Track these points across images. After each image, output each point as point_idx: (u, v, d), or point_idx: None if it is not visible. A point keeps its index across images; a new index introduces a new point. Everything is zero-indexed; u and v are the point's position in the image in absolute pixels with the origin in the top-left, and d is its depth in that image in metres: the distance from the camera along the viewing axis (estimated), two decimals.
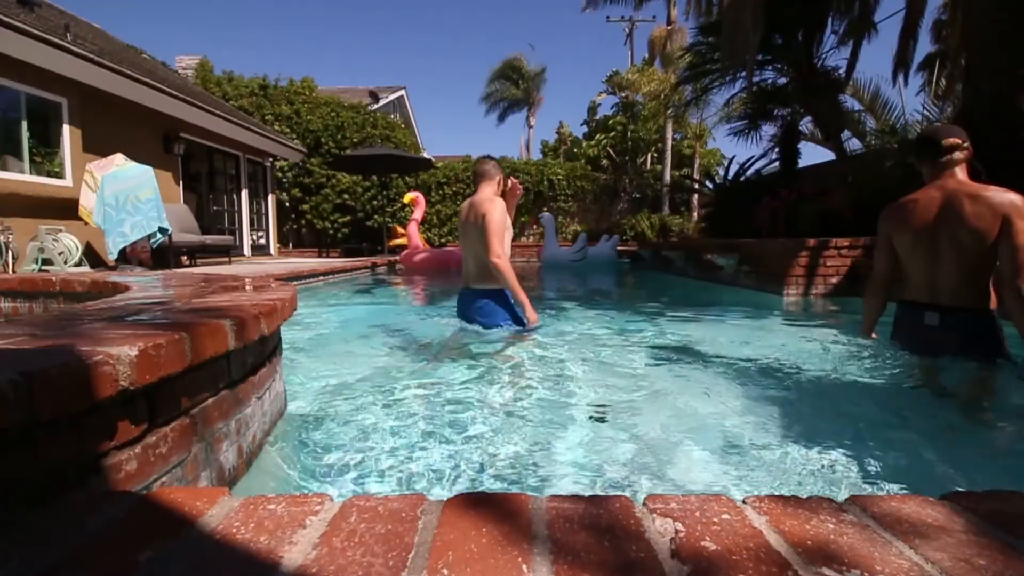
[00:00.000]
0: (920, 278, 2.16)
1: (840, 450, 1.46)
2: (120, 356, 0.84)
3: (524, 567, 0.52)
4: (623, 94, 19.79)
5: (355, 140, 15.04)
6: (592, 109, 25.16)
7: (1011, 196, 1.97)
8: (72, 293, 2.98)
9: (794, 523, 0.60)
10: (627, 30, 24.50)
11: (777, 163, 9.05)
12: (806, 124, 9.50)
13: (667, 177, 17.84)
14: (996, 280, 2.04)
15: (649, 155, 19.78)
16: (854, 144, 8.62)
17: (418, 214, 10.47)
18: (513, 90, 25.35)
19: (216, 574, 0.52)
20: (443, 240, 16.26)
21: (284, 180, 14.96)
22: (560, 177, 16.69)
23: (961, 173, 2.11)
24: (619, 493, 0.69)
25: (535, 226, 16.48)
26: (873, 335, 2.51)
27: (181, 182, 9.03)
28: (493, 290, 3.00)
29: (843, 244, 5.25)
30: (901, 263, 2.26)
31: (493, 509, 0.64)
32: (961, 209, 2.00)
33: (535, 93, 25.55)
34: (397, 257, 10.48)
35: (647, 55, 21.33)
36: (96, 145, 6.80)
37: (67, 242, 5.86)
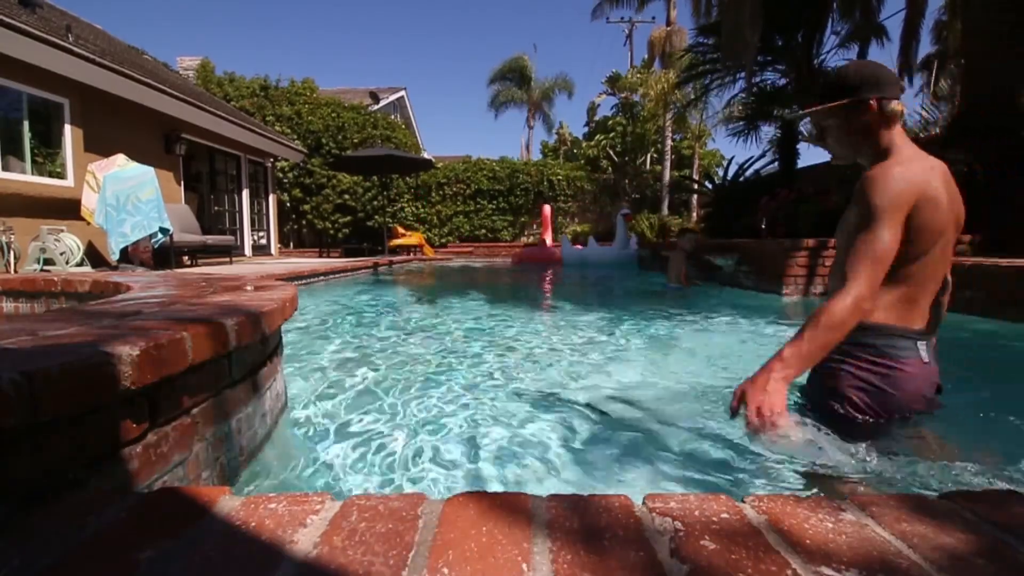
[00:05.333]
0: (931, 292, 1.39)
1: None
2: (121, 356, 0.84)
3: (524, 566, 0.52)
4: (623, 95, 19.81)
5: (356, 141, 15.06)
6: (592, 110, 25.19)
7: None
8: (74, 293, 2.99)
9: (793, 522, 0.60)
10: (627, 31, 24.55)
11: (776, 163, 9.06)
12: (805, 125, 9.50)
13: (667, 177, 17.85)
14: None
15: (649, 155, 19.79)
16: None
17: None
18: (516, 91, 25.36)
19: (217, 573, 0.52)
20: (443, 240, 16.28)
21: (285, 180, 14.98)
22: (560, 177, 16.71)
23: None
24: (619, 492, 0.69)
25: (535, 226, 16.50)
26: None
27: (182, 182, 9.03)
28: None
29: None
30: (908, 264, 1.34)
31: (493, 508, 0.64)
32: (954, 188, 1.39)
33: (538, 97, 25.51)
34: (514, 254, 12.66)
35: (647, 56, 21.36)
36: (97, 145, 6.80)
37: (69, 242, 5.86)
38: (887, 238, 1.26)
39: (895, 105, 1.36)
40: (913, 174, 1.30)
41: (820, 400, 1.46)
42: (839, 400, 1.39)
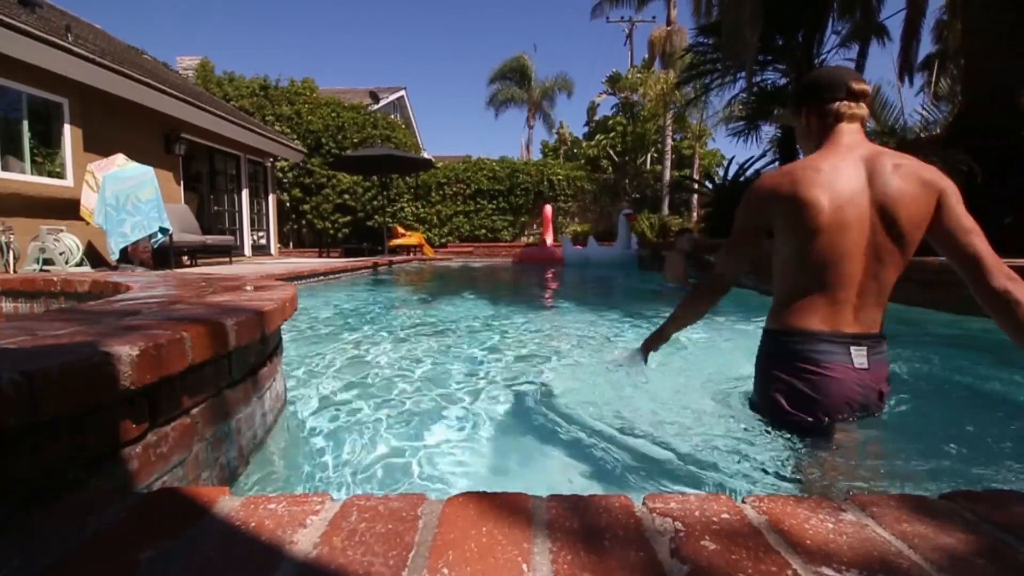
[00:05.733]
0: (859, 292, 1.37)
1: (839, 450, 1.46)
2: (121, 356, 0.84)
3: (524, 566, 0.52)
4: (623, 95, 19.81)
5: (355, 140, 15.06)
6: (592, 109, 25.20)
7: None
8: (73, 293, 2.99)
9: (793, 523, 0.60)
10: (627, 31, 24.55)
11: (777, 163, 9.06)
12: None
13: (667, 177, 17.85)
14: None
15: (649, 155, 19.78)
16: None
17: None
18: (516, 90, 25.37)
19: (217, 574, 0.52)
20: (443, 240, 16.28)
21: (285, 180, 14.98)
22: (560, 177, 16.70)
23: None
24: (619, 493, 0.69)
25: (535, 226, 16.50)
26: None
27: (182, 182, 9.03)
28: None
29: None
30: (810, 265, 1.37)
31: (493, 508, 0.64)
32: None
33: (538, 96, 25.51)
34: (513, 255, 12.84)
35: (647, 55, 21.36)
36: (97, 145, 6.80)
37: (68, 242, 5.86)
38: (734, 234, 1.47)
39: (833, 106, 1.40)
40: (772, 177, 1.40)
41: (755, 401, 1.54)
42: (767, 402, 1.46)
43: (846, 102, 1.39)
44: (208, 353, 1.09)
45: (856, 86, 1.40)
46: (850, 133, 1.40)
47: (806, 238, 1.33)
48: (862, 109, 1.42)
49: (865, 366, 1.35)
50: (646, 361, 1.77)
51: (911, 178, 1.31)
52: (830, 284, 1.34)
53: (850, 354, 1.34)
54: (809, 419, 1.37)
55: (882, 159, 1.34)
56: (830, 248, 1.32)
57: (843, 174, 1.32)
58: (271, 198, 12.59)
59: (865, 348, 1.35)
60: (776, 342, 1.44)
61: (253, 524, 0.61)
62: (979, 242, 1.30)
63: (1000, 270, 1.26)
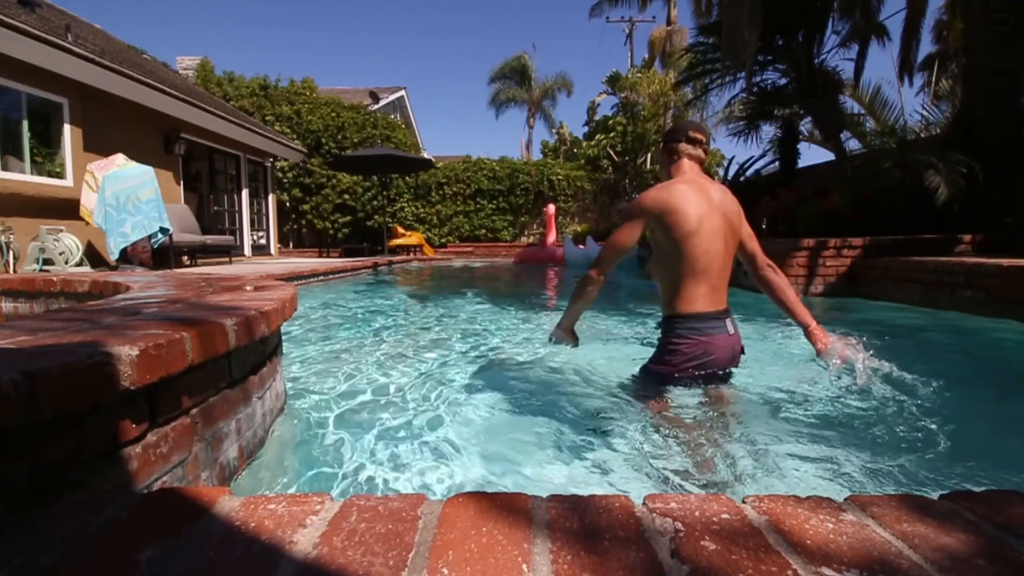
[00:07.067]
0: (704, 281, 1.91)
1: (838, 450, 1.46)
2: (121, 356, 0.84)
3: (524, 567, 0.52)
4: (623, 94, 19.79)
5: (355, 140, 15.06)
6: (592, 109, 25.16)
7: None
8: (73, 293, 2.99)
9: (793, 523, 0.60)
10: (627, 31, 24.55)
11: (777, 163, 9.06)
12: (806, 125, 9.50)
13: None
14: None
15: (649, 155, 19.77)
16: (853, 144, 8.63)
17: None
18: (516, 90, 25.36)
19: (217, 574, 0.52)
20: (443, 240, 16.28)
21: (284, 180, 14.97)
22: (560, 177, 16.70)
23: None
24: (619, 493, 0.69)
25: (535, 225, 16.49)
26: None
27: (182, 182, 9.03)
28: None
29: (842, 244, 5.25)
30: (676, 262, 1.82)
31: (493, 508, 0.64)
32: None
33: (538, 96, 25.52)
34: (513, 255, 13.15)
35: (647, 55, 21.35)
36: (97, 145, 6.80)
37: (68, 242, 5.86)
38: (617, 237, 1.87)
39: (676, 145, 1.89)
40: (655, 193, 1.80)
41: (652, 367, 1.95)
42: (673, 365, 1.86)
43: (684, 143, 1.88)
44: (208, 353, 1.09)
45: (692, 134, 1.88)
46: (691, 168, 1.88)
47: (686, 241, 1.73)
48: (698, 151, 1.88)
49: (733, 332, 1.83)
50: (575, 344, 2.20)
51: (730, 200, 1.86)
52: (706, 275, 1.77)
53: (726, 325, 1.80)
54: (704, 372, 1.79)
55: (712, 187, 1.84)
56: (706, 249, 1.74)
57: (696, 194, 1.77)
58: (271, 198, 12.58)
59: (731, 319, 1.83)
60: (673, 324, 1.83)
61: (253, 524, 0.61)
62: (755, 244, 1.97)
63: (765, 262, 1.97)
